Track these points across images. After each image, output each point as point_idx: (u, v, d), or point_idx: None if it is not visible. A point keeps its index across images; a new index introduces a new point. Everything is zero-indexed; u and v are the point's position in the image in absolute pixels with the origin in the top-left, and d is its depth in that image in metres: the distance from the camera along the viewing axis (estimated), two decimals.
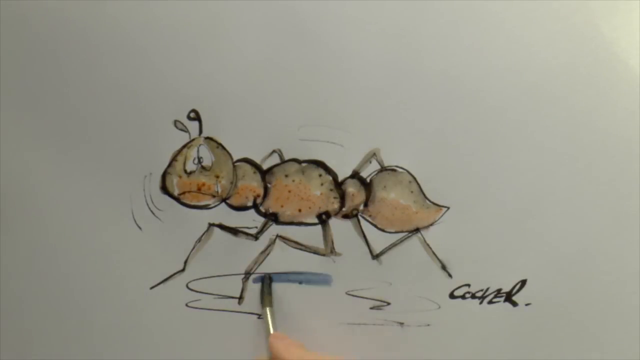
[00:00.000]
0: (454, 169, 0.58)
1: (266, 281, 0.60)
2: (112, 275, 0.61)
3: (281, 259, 0.60)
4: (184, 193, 0.59)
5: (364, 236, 0.59)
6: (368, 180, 0.58)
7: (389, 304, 0.60)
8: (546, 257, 0.58)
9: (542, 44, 0.55)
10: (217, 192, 0.59)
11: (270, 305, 0.60)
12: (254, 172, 0.59)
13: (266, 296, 0.60)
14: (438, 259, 0.59)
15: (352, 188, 0.59)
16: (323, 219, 0.59)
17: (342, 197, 0.59)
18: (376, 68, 0.56)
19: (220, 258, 0.60)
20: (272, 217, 0.59)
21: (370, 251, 0.59)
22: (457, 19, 0.55)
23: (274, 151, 0.58)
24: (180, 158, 0.58)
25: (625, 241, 0.58)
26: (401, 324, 0.60)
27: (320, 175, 0.58)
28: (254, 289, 0.61)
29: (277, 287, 0.60)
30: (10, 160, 0.59)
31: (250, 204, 0.59)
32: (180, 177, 0.59)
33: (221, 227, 0.59)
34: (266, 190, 0.59)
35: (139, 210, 0.59)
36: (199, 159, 0.58)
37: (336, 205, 0.59)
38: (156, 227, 0.60)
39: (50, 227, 0.60)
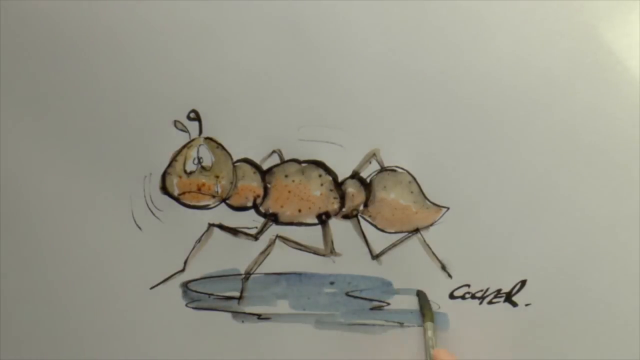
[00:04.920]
0: (454, 169, 0.58)
1: (423, 296, 0.60)
2: (112, 275, 0.61)
3: (281, 259, 0.60)
4: (184, 193, 0.59)
5: (364, 236, 0.59)
6: (368, 180, 0.58)
7: (388, 304, 0.60)
8: (546, 257, 0.58)
9: (542, 44, 0.55)
10: (217, 192, 0.59)
11: (432, 320, 0.59)
12: (254, 173, 0.59)
13: (428, 310, 0.59)
14: (438, 259, 0.59)
15: (352, 188, 0.59)
16: (323, 219, 0.59)
17: (342, 198, 0.59)
18: (376, 68, 0.56)
19: (220, 258, 0.60)
20: (272, 218, 0.59)
21: (370, 251, 0.59)
22: (457, 19, 0.55)
23: (274, 151, 0.58)
24: (180, 158, 0.58)
25: (625, 241, 0.58)
26: (401, 324, 0.61)
27: (320, 176, 0.58)
28: (253, 289, 0.61)
29: (278, 287, 0.61)
30: (10, 161, 0.59)
31: (250, 204, 0.59)
32: (180, 177, 0.59)
33: (221, 227, 0.59)
34: (266, 190, 0.59)
35: (139, 210, 0.59)
36: (199, 159, 0.58)
37: (336, 206, 0.59)
38: (156, 227, 0.60)
39: (50, 227, 0.60)
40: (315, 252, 0.60)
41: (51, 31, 0.57)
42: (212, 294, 0.61)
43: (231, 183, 0.59)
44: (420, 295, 0.60)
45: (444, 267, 0.59)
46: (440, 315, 0.60)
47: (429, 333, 0.58)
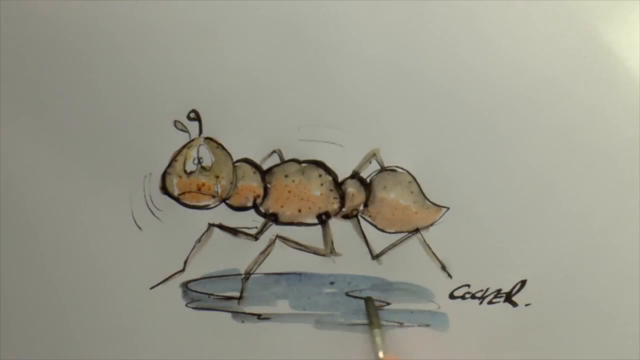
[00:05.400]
0: (454, 169, 0.58)
1: (370, 302, 0.60)
2: (112, 275, 0.61)
3: (281, 259, 0.60)
4: (184, 193, 0.59)
5: (364, 236, 0.59)
6: (368, 180, 0.58)
7: (389, 304, 0.60)
8: (546, 257, 0.58)
9: (543, 44, 0.55)
10: (217, 192, 0.59)
11: (379, 327, 0.59)
12: (254, 173, 0.59)
13: (375, 317, 0.59)
14: (438, 259, 0.59)
15: (352, 188, 0.59)
16: (323, 219, 0.59)
17: (342, 198, 0.59)
18: (376, 68, 0.56)
19: (220, 258, 0.60)
20: (272, 218, 0.59)
21: (370, 251, 0.59)
22: (457, 19, 0.55)
23: (274, 151, 0.58)
24: (180, 158, 0.58)
25: (625, 241, 0.58)
26: (401, 324, 0.61)
27: (320, 176, 0.58)
28: (253, 289, 0.61)
29: (278, 287, 0.61)
30: (9, 160, 0.59)
31: (250, 204, 0.59)
32: (180, 177, 0.59)
33: (221, 227, 0.59)
34: (266, 190, 0.59)
35: (139, 211, 0.59)
36: (199, 159, 0.58)
37: (336, 206, 0.59)
38: (156, 227, 0.60)
39: (50, 227, 0.60)
40: (315, 252, 0.60)
41: (51, 31, 0.57)
42: (212, 294, 0.61)
43: (231, 183, 0.59)
44: (368, 303, 0.60)
45: (444, 267, 0.59)
46: (440, 315, 0.60)
47: (377, 340, 0.58)
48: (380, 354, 0.58)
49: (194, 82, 0.57)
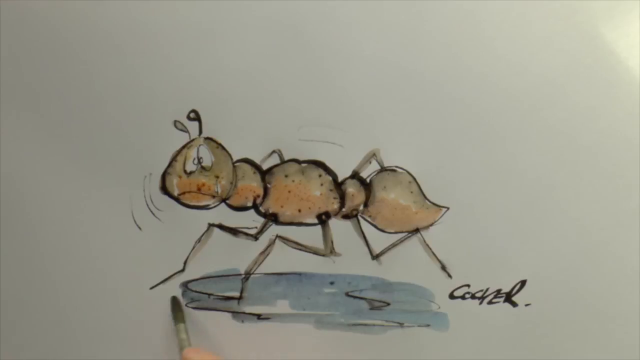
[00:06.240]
0: (454, 169, 0.58)
1: (175, 300, 0.60)
2: (112, 275, 0.61)
3: (281, 259, 0.60)
4: (183, 193, 0.59)
5: (364, 236, 0.59)
6: (368, 180, 0.58)
7: (389, 304, 0.60)
8: (546, 257, 0.58)
9: (542, 44, 0.55)
10: (217, 192, 0.59)
11: (183, 321, 0.60)
12: (254, 173, 0.59)
13: (178, 312, 0.60)
14: (438, 259, 0.59)
15: (352, 188, 0.59)
16: (323, 219, 0.59)
17: (342, 198, 0.59)
18: (376, 68, 0.56)
19: (220, 258, 0.60)
20: (272, 218, 0.59)
21: (370, 251, 0.59)
22: (456, 19, 0.55)
23: (273, 151, 0.58)
24: (180, 158, 0.58)
25: (625, 241, 0.58)
26: (401, 324, 0.61)
27: (320, 176, 0.58)
28: (253, 289, 0.61)
29: (279, 287, 0.61)
30: (10, 161, 0.59)
31: (250, 204, 0.59)
32: (180, 177, 0.59)
33: (221, 227, 0.59)
34: (266, 190, 0.59)
35: (139, 211, 0.59)
36: (199, 159, 0.58)
37: (336, 206, 0.59)
38: (156, 227, 0.60)
39: (50, 227, 0.60)
40: (315, 252, 0.60)
41: (51, 31, 0.57)
42: (212, 294, 0.61)
43: (231, 183, 0.59)
44: (173, 300, 0.60)
45: (444, 267, 0.59)
46: (440, 315, 0.60)
47: (182, 335, 0.59)
48: (185, 349, 0.58)
49: (194, 82, 0.57)
